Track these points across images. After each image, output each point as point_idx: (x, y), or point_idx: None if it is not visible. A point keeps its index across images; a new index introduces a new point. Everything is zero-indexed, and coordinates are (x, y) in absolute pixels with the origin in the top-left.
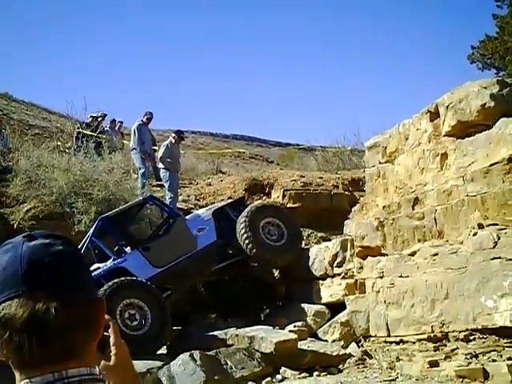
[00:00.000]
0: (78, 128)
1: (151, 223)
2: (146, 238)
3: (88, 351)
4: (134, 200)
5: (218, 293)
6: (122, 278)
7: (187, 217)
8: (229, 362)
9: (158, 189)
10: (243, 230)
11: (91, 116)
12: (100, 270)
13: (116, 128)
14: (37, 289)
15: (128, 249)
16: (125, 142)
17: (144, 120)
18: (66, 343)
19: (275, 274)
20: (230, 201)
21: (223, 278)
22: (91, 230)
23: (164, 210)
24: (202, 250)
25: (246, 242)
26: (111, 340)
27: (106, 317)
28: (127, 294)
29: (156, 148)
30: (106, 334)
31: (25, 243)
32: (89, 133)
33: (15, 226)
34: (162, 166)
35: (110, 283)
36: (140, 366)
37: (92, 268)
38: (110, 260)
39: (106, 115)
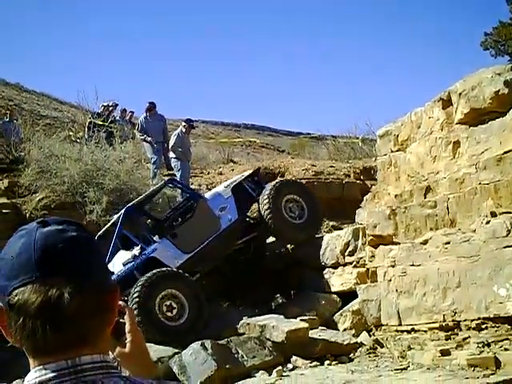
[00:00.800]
0: (90, 118)
1: (169, 201)
2: (171, 223)
3: (101, 338)
4: (146, 189)
5: (232, 262)
6: (163, 269)
7: (207, 195)
8: (240, 351)
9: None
10: (266, 202)
11: (102, 105)
12: (133, 263)
13: (127, 118)
14: (50, 275)
15: (156, 237)
16: (135, 131)
17: (147, 110)
18: (79, 330)
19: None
20: (246, 174)
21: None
22: (119, 220)
23: (186, 192)
24: (226, 230)
25: (268, 214)
26: (127, 327)
27: (122, 304)
28: (167, 284)
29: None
30: (121, 320)
31: (39, 229)
32: (100, 122)
33: (27, 215)
34: (174, 156)
35: (151, 273)
36: (151, 354)
37: (118, 255)
38: (137, 248)
39: (117, 105)
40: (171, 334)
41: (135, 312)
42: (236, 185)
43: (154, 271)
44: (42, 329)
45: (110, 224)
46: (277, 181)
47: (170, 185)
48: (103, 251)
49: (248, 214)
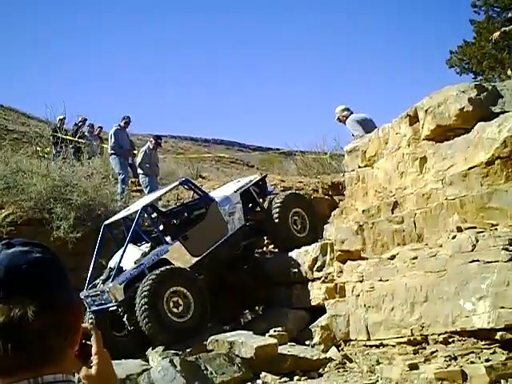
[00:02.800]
0: (55, 131)
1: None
2: (183, 224)
3: (65, 358)
4: (114, 204)
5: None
6: (171, 267)
7: (217, 197)
8: (209, 368)
9: (138, 194)
10: (277, 212)
11: (59, 119)
12: (145, 263)
13: (95, 133)
14: (13, 295)
15: (168, 238)
16: (104, 145)
17: (122, 124)
18: (42, 349)
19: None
20: (254, 180)
21: None
22: (136, 218)
23: (199, 194)
24: (232, 236)
25: (276, 223)
26: (93, 349)
27: (89, 326)
28: (175, 281)
29: (135, 152)
30: (88, 342)
31: (3, 250)
32: (68, 137)
33: None
34: (141, 172)
35: (160, 270)
36: (120, 372)
37: (129, 252)
38: (147, 245)
39: (85, 120)
40: (176, 332)
41: (144, 308)
42: (244, 191)
43: (163, 268)
44: (4, 348)
45: (120, 216)
46: (288, 192)
47: (186, 185)
48: (63, 273)
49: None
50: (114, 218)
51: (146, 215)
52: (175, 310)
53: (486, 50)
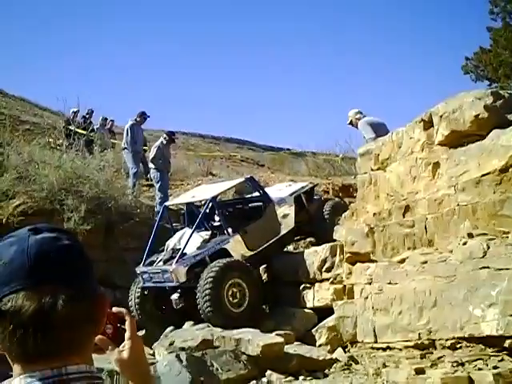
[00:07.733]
0: (67, 123)
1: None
2: (243, 218)
3: (88, 348)
4: (125, 198)
5: None
6: (232, 259)
7: (273, 197)
8: (215, 364)
9: (148, 188)
10: (328, 217)
11: (73, 111)
12: (207, 250)
13: (107, 126)
14: (43, 282)
15: (230, 230)
16: (115, 140)
17: (138, 119)
18: (68, 339)
19: (263, 278)
20: (306, 187)
21: None
22: (205, 208)
23: (260, 192)
24: (283, 236)
25: (325, 227)
26: (126, 334)
27: (123, 310)
28: (235, 273)
29: (146, 148)
30: (122, 327)
31: (31, 236)
32: (80, 131)
33: (4, 221)
34: (153, 167)
35: (223, 262)
36: None
37: (194, 237)
38: (207, 232)
39: (92, 111)
40: (231, 320)
41: (207, 293)
42: (297, 196)
43: (225, 260)
44: (34, 336)
45: (183, 200)
46: (335, 200)
47: (249, 183)
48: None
49: None
50: (177, 201)
51: (213, 205)
52: (232, 299)
53: (502, 57)
